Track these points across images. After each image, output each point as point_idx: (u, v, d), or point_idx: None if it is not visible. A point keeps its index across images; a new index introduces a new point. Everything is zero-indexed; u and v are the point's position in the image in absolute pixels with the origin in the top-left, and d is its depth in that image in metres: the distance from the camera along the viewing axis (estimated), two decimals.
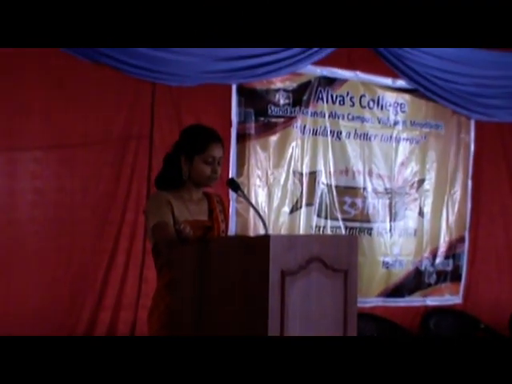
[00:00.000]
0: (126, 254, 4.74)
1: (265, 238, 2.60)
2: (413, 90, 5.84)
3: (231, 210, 5.04)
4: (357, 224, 5.65)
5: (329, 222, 5.52)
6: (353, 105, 5.63)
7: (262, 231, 4.75)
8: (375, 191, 5.72)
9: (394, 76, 5.75)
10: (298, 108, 5.39)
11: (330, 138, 5.53)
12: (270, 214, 5.28)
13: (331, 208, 5.53)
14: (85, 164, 4.65)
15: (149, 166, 4.80)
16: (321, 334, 2.73)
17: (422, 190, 5.94)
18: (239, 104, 5.16)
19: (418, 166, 5.92)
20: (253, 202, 5.05)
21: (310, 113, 5.44)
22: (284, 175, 5.34)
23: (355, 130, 5.63)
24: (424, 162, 5.94)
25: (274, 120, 5.30)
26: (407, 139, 5.87)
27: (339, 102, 5.57)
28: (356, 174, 5.64)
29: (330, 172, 5.52)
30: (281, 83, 5.34)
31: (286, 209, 5.37)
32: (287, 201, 5.37)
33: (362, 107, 5.68)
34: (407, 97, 5.87)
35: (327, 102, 5.52)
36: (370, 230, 5.70)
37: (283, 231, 5.30)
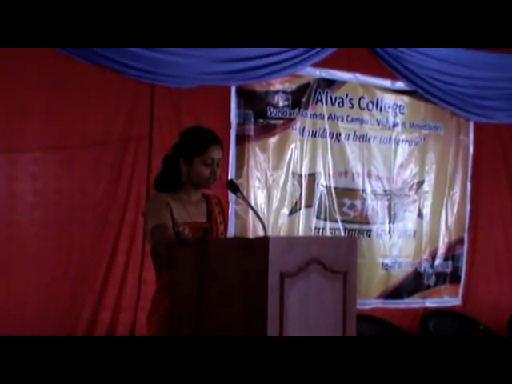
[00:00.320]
0: (125, 254, 4.75)
1: (264, 240, 2.60)
2: (412, 91, 5.85)
3: (230, 211, 5.04)
4: (356, 226, 5.65)
5: (328, 223, 5.52)
6: (352, 107, 5.64)
7: (261, 233, 4.76)
8: (374, 193, 5.73)
9: (393, 78, 5.76)
10: (297, 110, 5.39)
11: (329, 139, 5.53)
12: (269, 215, 5.28)
13: (330, 210, 5.53)
14: (84, 165, 4.66)
15: (148, 168, 4.80)
16: (320, 335, 2.73)
17: (421, 191, 5.95)
18: (238, 106, 5.17)
19: (417, 168, 5.92)
20: (252, 203, 5.05)
21: (309, 114, 5.45)
22: (283, 177, 5.35)
23: (354, 132, 5.64)
24: (423, 163, 5.95)
25: (273, 122, 5.30)
26: (406, 141, 5.88)
27: (338, 103, 5.58)
28: (355, 176, 5.64)
29: (329, 174, 5.53)
30: (280, 85, 5.34)
31: (285, 210, 5.37)
32: (286, 202, 5.37)
33: (361, 109, 5.68)
34: (406, 99, 5.87)
35: (326, 103, 5.52)
36: (369, 232, 5.70)
37: (282, 233, 5.30)
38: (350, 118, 5.63)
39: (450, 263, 6.05)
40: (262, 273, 2.54)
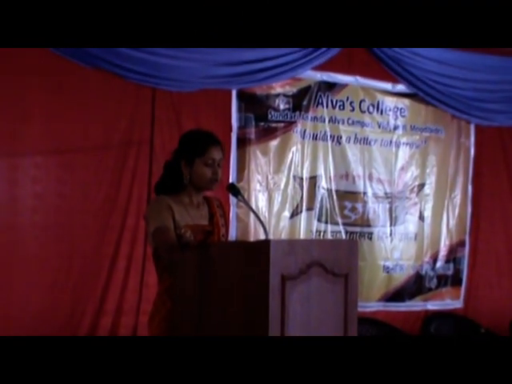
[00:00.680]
0: (126, 259, 4.75)
1: (265, 243, 2.60)
2: (412, 94, 5.85)
3: (231, 214, 5.04)
4: (357, 228, 5.65)
5: (329, 226, 5.52)
6: (353, 109, 5.64)
7: (262, 236, 4.75)
8: (375, 196, 5.73)
9: (394, 81, 5.76)
10: (298, 113, 5.40)
11: (330, 142, 5.54)
12: (271, 218, 5.29)
13: (331, 212, 5.54)
14: (85, 169, 4.66)
15: (149, 171, 4.80)
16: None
17: (423, 194, 5.95)
18: (239, 109, 5.17)
19: (418, 171, 5.92)
20: (253, 206, 5.06)
21: (310, 117, 5.45)
22: (284, 180, 5.35)
23: (355, 135, 5.64)
24: (424, 166, 5.95)
25: (274, 125, 5.31)
26: (407, 144, 5.88)
27: (339, 106, 5.58)
28: (356, 179, 5.64)
29: (330, 177, 5.53)
30: (281, 88, 5.34)
31: (287, 213, 5.37)
32: (287, 205, 5.37)
33: (362, 112, 5.69)
34: (407, 101, 5.88)
35: (327, 106, 5.53)
36: (370, 235, 5.71)
37: (283, 236, 5.30)
38: (350, 121, 5.63)
39: (451, 266, 6.05)
40: (264, 276, 2.54)
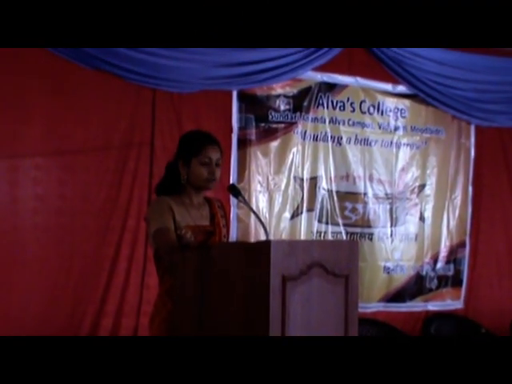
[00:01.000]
0: (127, 260, 4.75)
1: (266, 244, 2.61)
2: (413, 95, 5.86)
3: (232, 215, 5.04)
4: (358, 229, 5.65)
5: (330, 227, 5.52)
6: (353, 110, 5.64)
7: (262, 237, 4.74)
8: (376, 196, 5.73)
9: (394, 82, 5.77)
10: (298, 114, 5.40)
11: (330, 143, 5.54)
12: (271, 219, 5.29)
13: (332, 213, 5.54)
14: (86, 171, 4.66)
15: (150, 173, 4.80)
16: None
17: (423, 195, 5.95)
18: (240, 110, 5.17)
19: (418, 171, 5.92)
20: (254, 207, 5.06)
21: (310, 118, 5.46)
22: (285, 181, 5.35)
23: (356, 136, 5.64)
24: (424, 167, 5.95)
25: (274, 126, 5.31)
26: (408, 144, 5.88)
27: (339, 107, 5.58)
28: (357, 180, 5.65)
29: (330, 177, 5.53)
30: (281, 89, 5.35)
31: (287, 214, 5.37)
32: (288, 206, 5.37)
33: (363, 113, 5.69)
34: (407, 102, 5.88)
35: (328, 107, 5.53)
36: (370, 235, 5.71)
37: (284, 237, 5.30)
38: (351, 122, 5.63)
39: (451, 266, 6.05)
40: (264, 276, 2.54)
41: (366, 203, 5.68)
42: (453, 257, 6.06)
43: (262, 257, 2.56)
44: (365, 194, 5.68)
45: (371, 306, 5.64)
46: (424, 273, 5.92)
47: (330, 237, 5.49)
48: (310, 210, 5.46)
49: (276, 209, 5.32)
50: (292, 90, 5.39)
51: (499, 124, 6.17)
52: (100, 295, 4.67)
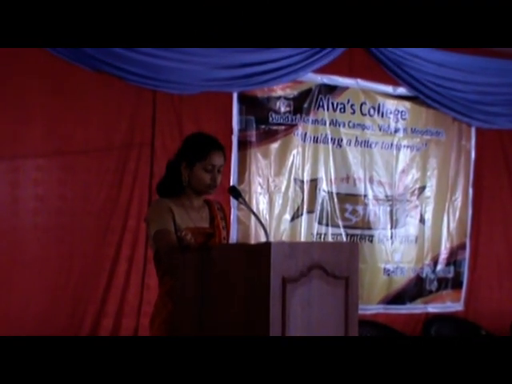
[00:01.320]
0: (127, 261, 4.75)
1: (266, 246, 2.61)
2: (413, 97, 5.86)
3: (232, 217, 5.05)
4: (358, 231, 5.65)
5: (330, 229, 5.53)
6: (353, 112, 5.65)
7: (263, 238, 4.73)
8: (376, 198, 5.73)
9: (395, 83, 5.77)
10: (298, 116, 5.40)
11: (330, 145, 5.54)
12: (271, 221, 5.29)
13: (332, 215, 5.54)
14: (87, 171, 4.67)
15: (150, 174, 4.81)
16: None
17: (423, 196, 5.95)
18: (240, 112, 5.18)
19: (418, 173, 5.92)
20: (254, 209, 5.06)
21: (310, 120, 5.46)
22: (285, 182, 5.35)
23: (356, 138, 5.65)
24: (425, 169, 5.95)
25: (274, 127, 5.31)
26: (408, 146, 5.88)
27: (340, 109, 5.58)
28: (357, 181, 5.65)
29: (330, 179, 5.53)
30: (282, 91, 5.35)
31: (287, 216, 5.38)
32: (288, 208, 5.38)
33: (363, 115, 5.69)
34: (408, 104, 5.89)
35: (328, 109, 5.53)
36: (371, 237, 5.71)
37: (284, 238, 5.30)
38: (351, 124, 5.63)
39: (451, 268, 6.05)
40: (264, 278, 2.55)
41: (366, 205, 5.69)
42: (453, 259, 6.06)
43: (263, 258, 2.56)
44: (365, 195, 5.68)
45: (371, 308, 5.64)
46: (424, 275, 5.92)
47: (330, 239, 5.49)
48: (311, 211, 5.46)
49: (276, 210, 5.32)
50: (292, 92, 5.40)
51: (499, 126, 6.17)
52: (100, 295, 4.68)
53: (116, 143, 4.76)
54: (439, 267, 5.99)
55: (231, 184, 4.84)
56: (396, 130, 5.83)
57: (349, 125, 5.62)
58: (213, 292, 2.75)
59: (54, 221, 4.58)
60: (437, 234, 6.00)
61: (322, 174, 5.49)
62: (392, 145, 5.81)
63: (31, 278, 4.49)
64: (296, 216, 5.41)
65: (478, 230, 6.15)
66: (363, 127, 5.68)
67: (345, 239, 5.53)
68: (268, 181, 5.28)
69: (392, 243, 5.80)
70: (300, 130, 5.42)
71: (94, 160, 4.68)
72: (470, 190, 6.15)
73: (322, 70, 5.42)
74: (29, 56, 4.39)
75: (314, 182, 5.47)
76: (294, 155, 5.39)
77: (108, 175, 4.73)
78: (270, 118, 5.29)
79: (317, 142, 5.48)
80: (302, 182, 5.43)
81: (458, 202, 6.09)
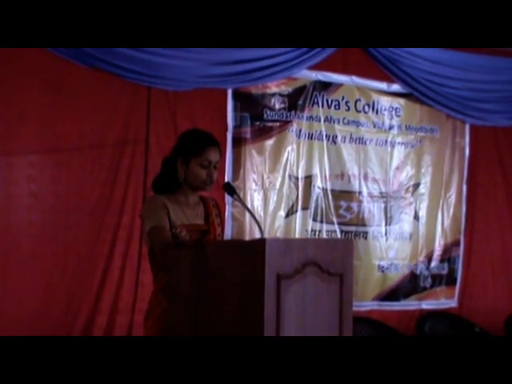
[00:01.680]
0: (122, 258, 4.75)
1: (260, 242, 2.61)
2: (408, 94, 5.87)
3: (227, 213, 5.05)
4: (352, 228, 5.66)
5: (324, 225, 5.53)
6: (348, 109, 5.65)
7: (257, 235, 4.74)
8: (370, 195, 5.74)
9: (389, 80, 5.77)
10: (293, 112, 5.40)
11: (325, 142, 5.54)
12: (266, 217, 5.29)
13: (327, 212, 5.54)
14: (81, 168, 4.66)
15: (145, 170, 4.81)
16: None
17: (418, 193, 5.96)
18: (235, 108, 5.18)
19: (413, 170, 5.93)
20: (248, 206, 5.06)
21: (305, 117, 5.46)
22: (280, 179, 5.36)
23: (350, 134, 5.65)
24: (419, 165, 5.96)
25: (269, 124, 5.31)
26: (402, 143, 5.89)
27: (334, 106, 5.59)
28: (351, 178, 5.65)
29: (325, 176, 5.54)
30: (276, 88, 5.35)
31: (282, 213, 5.38)
32: (283, 205, 5.38)
33: (358, 111, 5.69)
34: (402, 101, 5.89)
35: (322, 106, 5.53)
36: (365, 234, 5.71)
37: (279, 235, 5.30)
38: (346, 121, 5.64)
39: (446, 265, 6.06)
40: (259, 275, 2.54)
41: (360, 202, 5.69)
42: (447, 255, 6.07)
43: (257, 255, 2.56)
44: (359, 192, 5.69)
45: (365, 305, 5.65)
46: (418, 271, 5.93)
47: (324, 235, 5.50)
48: (305, 208, 5.47)
49: (271, 207, 5.32)
50: (287, 89, 5.40)
51: (494, 123, 6.18)
52: (94, 292, 4.67)
53: (110, 140, 4.75)
54: (433, 264, 6.00)
55: (226, 181, 4.84)
56: (390, 127, 5.83)
57: (343, 121, 5.62)
58: (207, 289, 2.75)
59: (47, 218, 4.57)
60: (431, 230, 6.01)
61: (316, 170, 5.50)
62: (386, 142, 5.81)
63: (25, 275, 4.48)
64: (290, 213, 5.41)
65: (472, 226, 6.16)
66: (358, 124, 5.68)
67: (339, 236, 5.54)
68: (263, 177, 5.28)
69: (386, 240, 5.81)
70: (295, 127, 5.42)
71: (88, 157, 4.68)
72: (464, 187, 6.16)
73: (316, 67, 5.43)
74: (24, 53, 4.38)
75: (308, 179, 5.48)
76: (289, 152, 5.39)
77: (102, 172, 4.72)
78: (265, 115, 5.29)
79: (311, 138, 5.49)
80: (297, 178, 5.43)
81: (452, 199, 6.10)
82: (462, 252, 6.13)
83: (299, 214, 5.44)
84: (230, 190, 3.27)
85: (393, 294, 5.83)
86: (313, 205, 5.49)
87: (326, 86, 5.55)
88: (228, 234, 5.01)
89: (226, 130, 5.14)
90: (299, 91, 5.44)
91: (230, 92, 5.15)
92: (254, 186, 5.25)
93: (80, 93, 4.64)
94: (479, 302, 6.11)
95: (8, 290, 4.45)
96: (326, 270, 2.81)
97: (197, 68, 4.92)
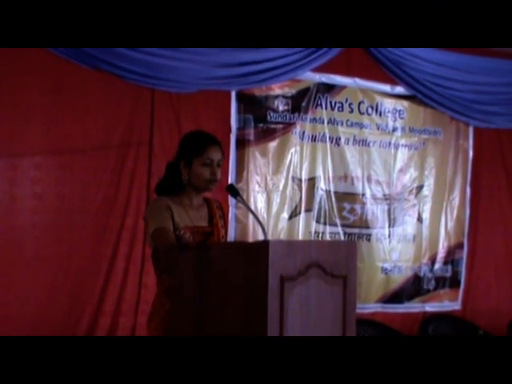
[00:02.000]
0: (125, 259, 4.75)
1: (264, 244, 2.60)
2: (411, 96, 5.86)
3: (230, 215, 5.05)
4: (356, 230, 5.66)
5: (328, 227, 5.53)
6: (351, 111, 5.65)
7: (261, 237, 4.77)
8: (374, 197, 5.73)
9: (393, 83, 5.77)
10: (297, 114, 5.40)
11: (328, 144, 5.54)
12: (269, 219, 5.29)
13: (330, 214, 5.54)
14: (85, 170, 4.67)
15: (148, 172, 4.81)
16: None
17: (421, 195, 5.96)
18: (238, 110, 5.18)
19: (416, 172, 5.93)
20: (252, 207, 5.06)
21: (308, 119, 5.46)
22: (283, 181, 5.36)
23: (354, 136, 5.65)
24: (423, 168, 5.96)
25: (273, 126, 5.31)
26: (406, 145, 5.89)
27: (338, 108, 5.59)
28: (355, 180, 5.65)
29: (328, 178, 5.53)
30: (280, 89, 5.35)
31: (285, 215, 5.38)
32: (286, 207, 5.38)
33: (361, 113, 5.70)
34: (406, 103, 5.89)
35: (326, 108, 5.53)
36: (368, 236, 5.71)
37: (282, 237, 5.30)
38: (349, 123, 5.64)
39: (449, 267, 6.05)
40: (262, 277, 2.54)
41: (364, 204, 5.69)
42: (450, 258, 6.06)
43: (261, 257, 2.56)
44: (363, 194, 5.69)
45: (369, 307, 5.65)
46: (422, 274, 5.93)
47: (327, 237, 5.49)
48: (308, 210, 5.46)
49: (274, 209, 5.32)
50: (290, 91, 5.40)
51: (497, 125, 6.18)
52: (98, 294, 4.68)
53: (114, 142, 4.76)
54: (437, 266, 6.00)
55: (229, 182, 4.85)
56: (394, 129, 5.83)
57: (347, 123, 5.62)
58: (211, 291, 2.75)
59: (51, 219, 4.57)
60: (434, 233, 6.00)
61: (319, 172, 5.50)
62: (390, 144, 5.81)
63: (29, 277, 4.49)
64: (294, 214, 5.41)
65: (476, 229, 6.16)
66: (361, 126, 5.68)
67: (343, 238, 5.54)
68: (266, 179, 5.29)
69: (390, 242, 5.80)
70: (298, 129, 5.42)
71: (92, 159, 4.68)
72: (468, 189, 6.15)
73: (320, 69, 5.43)
74: (28, 54, 4.39)
75: (311, 181, 5.48)
76: (292, 154, 5.39)
77: (106, 174, 4.73)
78: (268, 117, 5.29)
79: (315, 140, 5.49)
80: (300, 180, 5.43)
81: (456, 201, 6.10)
82: (465, 254, 6.12)
83: (302, 215, 5.44)
84: (234, 191, 3.27)
85: (396, 297, 5.83)
86: (316, 207, 5.49)
87: (329, 88, 5.55)
88: (231, 235, 5.01)
89: (230, 131, 5.14)
90: (303, 93, 5.44)
91: (233, 94, 5.16)
92: (257, 188, 5.25)
93: (84, 94, 4.64)
94: (483, 305, 6.10)
95: (12, 292, 4.46)
96: (329, 272, 2.81)
97: (200, 70, 4.93)
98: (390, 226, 5.80)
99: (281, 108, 5.35)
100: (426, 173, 5.97)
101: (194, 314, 2.80)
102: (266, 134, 5.29)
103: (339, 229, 5.58)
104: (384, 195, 5.77)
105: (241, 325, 2.63)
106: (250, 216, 5.07)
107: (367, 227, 5.71)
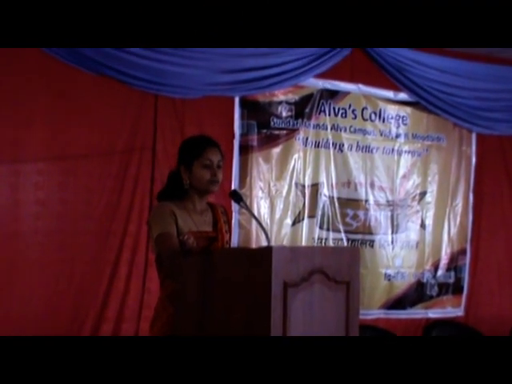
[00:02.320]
0: (128, 265, 4.75)
1: (267, 250, 2.61)
2: (414, 102, 5.87)
3: (234, 221, 5.04)
4: (359, 236, 5.66)
5: (331, 233, 5.53)
6: (355, 117, 5.65)
7: (264, 243, 4.74)
8: (377, 203, 5.73)
9: (396, 89, 5.77)
10: (300, 120, 5.41)
11: (332, 150, 5.54)
12: (273, 225, 5.29)
13: (333, 220, 5.54)
14: (88, 176, 4.67)
15: (152, 178, 4.81)
16: None
17: (424, 202, 5.95)
18: (242, 116, 5.18)
19: (419, 179, 5.93)
20: (255, 213, 5.06)
21: (312, 125, 5.47)
22: (286, 187, 5.36)
23: (357, 143, 5.65)
24: (426, 174, 5.96)
25: (276, 132, 5.32)
26: (409, 152, 5.89)
27: (341, 114, 5.59)
28: (358, 186, 5.65)
29: (332, 184, 5.53)
30: (283, 96, 5.36)
31: (289, 221, 5.38)
32: (289, 213, 5.38)
33: (364, 120, 5.70)
34: (409, 110, 5.89)
35: (329, 114, 5.54)
36: (371, 242, 5.71)
37: (285, 243, 5.30)
38: (352, 129, 5.64)
39: (452, 274, 6.05)
40: (266, 282, 2.55)
41: (367, 210, 5.69)
42: (453, 264, 6.06)
43: (264, 263, 2.57)
44: (366, 200, 5.68)
45: (372, 313, 5.64)
46: (425, 280, 5.92)
47: (331, 243, 5.49)
48: (312, 216, 5.46)
49: (277, 215, 5.32)
50: (294, 97, 5.40)
51: (500, 132, 6.18)
52: (101, 300, 4.67)
53: (117, 147, 4.76)
54: (440, 272, 5.99)
55: (232, 188, 4.85)
56: (397, 136, 5.83)
57: (350, 130, 5.62)
58: (214, 296, 2.75)
59: (54, 225, 4.58)
60: (437, 239, 6.00)
61: (323, 178, 5.50)
62: (393, 150, 5.81)
63: (32, 283, 4.49)
64: (297, 220, 5.41)
65: (479, 235, 6.15)
66: (364, 132, 5.69)
67: (346, 244, 5.54)
68: (269, 185, 5.29)
69: (393, 248, 5.80)
70: (301, 135, 5.42)
71: (95, 164, 4.69)
72: (471, 196, 6.15)
73: (323, 75, 5.43)
74: (31, 59, 4.41)
75: (315, 187, 5.48)
76: (296, 160, 5.39)
77: (109, 179, 4.73)
78: (272, 123, 5.29)
79: (318, 146, 5.49)
80: (303, 186, 5.43)
81: (459, 208, 6.09)
82: (468, 261, 6.11)
83: (306, 221, 5.44)
84: (237, 197, 3.28)
85: (399, 303, 5.82)
86: (319, 213, 5.49)
87: (332, 95, 5.56)
88: (234, 241, 5.01)
89: (233, 137, 5.15)
90: (306, 99, 5.45)
91: (237, 100, 5.16)
92: (260, 194, 5.25)
93: (87, 100, 4.65)
94: (486, 311, 6.09)
95: (15, 297, 4.46)
96: (332, 278, 2.81)
97: (204, 76, 4.94)
98: (393, 233, 5.79)
99: (284, 114, 5.35)
100: (429, 179, 5.97)
101: (196, 319, 2.81)
102: (269, 140, 5.30)
103: (342, 235, 5.58)
104: (387, 201, 5.77)
105: (244, 331, 2.63)
106: (254, 222, 5.07)
107: (370, 233, 5.70)
